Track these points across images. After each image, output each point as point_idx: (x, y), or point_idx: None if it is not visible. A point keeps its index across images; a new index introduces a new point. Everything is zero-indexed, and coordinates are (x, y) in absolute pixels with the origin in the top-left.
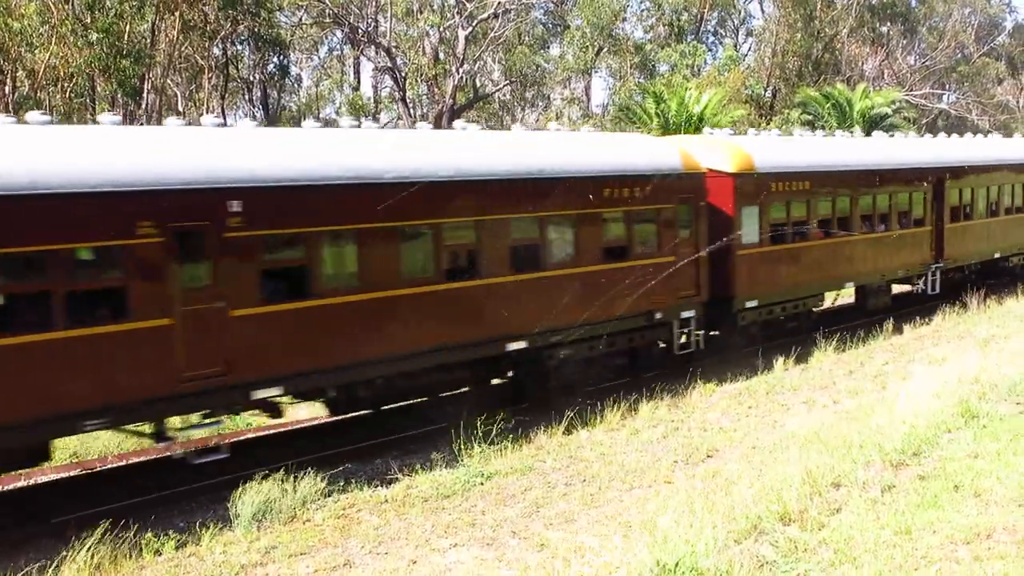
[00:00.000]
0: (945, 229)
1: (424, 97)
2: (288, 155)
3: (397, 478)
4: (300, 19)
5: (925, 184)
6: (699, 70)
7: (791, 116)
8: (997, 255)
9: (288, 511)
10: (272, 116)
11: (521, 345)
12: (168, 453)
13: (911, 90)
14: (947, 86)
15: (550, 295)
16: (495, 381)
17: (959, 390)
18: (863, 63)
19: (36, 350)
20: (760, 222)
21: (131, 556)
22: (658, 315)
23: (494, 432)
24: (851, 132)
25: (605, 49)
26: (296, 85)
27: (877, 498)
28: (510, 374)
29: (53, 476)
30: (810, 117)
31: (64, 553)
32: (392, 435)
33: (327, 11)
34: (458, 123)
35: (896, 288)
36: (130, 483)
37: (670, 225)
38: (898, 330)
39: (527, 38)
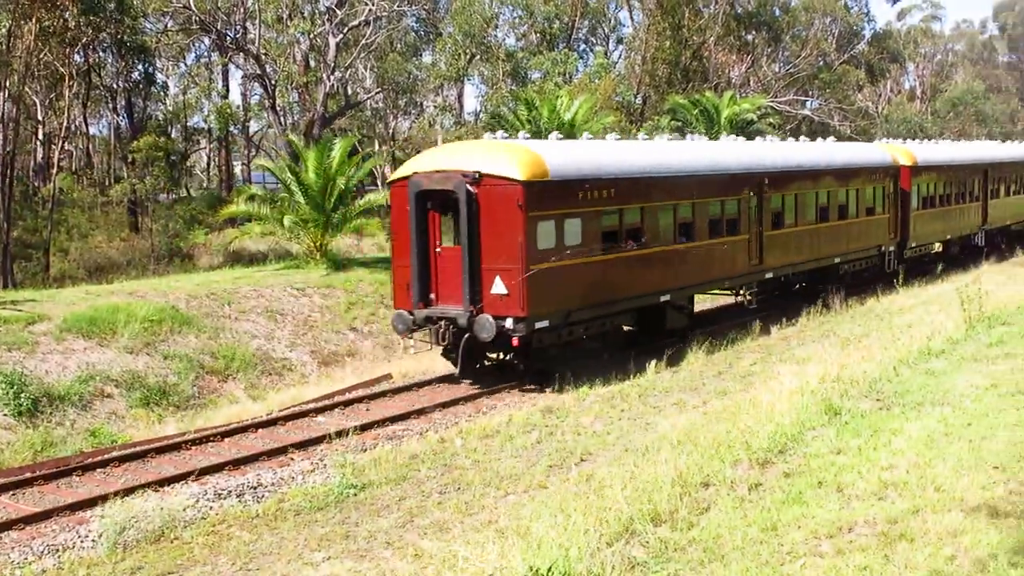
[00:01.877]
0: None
1: (295, 105)
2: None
3: (270, 492)
4: (166, 26)
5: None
6: (571, 77)
7: (661, 122)
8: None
9: (155, 529)
10: (137, 125)
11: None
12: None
13: (776, 96)
14: (810, 92)
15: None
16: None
17: (822, 388)
18: (730, 70)
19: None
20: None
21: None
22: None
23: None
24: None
25: (477, 56)
26: (162, 93)
27: (745, 496)
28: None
29: None
30: (679, 123)
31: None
32: (267, 448)
33: (194, 18)
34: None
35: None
36: None
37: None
38: (765, 331)
39: (399, 45)
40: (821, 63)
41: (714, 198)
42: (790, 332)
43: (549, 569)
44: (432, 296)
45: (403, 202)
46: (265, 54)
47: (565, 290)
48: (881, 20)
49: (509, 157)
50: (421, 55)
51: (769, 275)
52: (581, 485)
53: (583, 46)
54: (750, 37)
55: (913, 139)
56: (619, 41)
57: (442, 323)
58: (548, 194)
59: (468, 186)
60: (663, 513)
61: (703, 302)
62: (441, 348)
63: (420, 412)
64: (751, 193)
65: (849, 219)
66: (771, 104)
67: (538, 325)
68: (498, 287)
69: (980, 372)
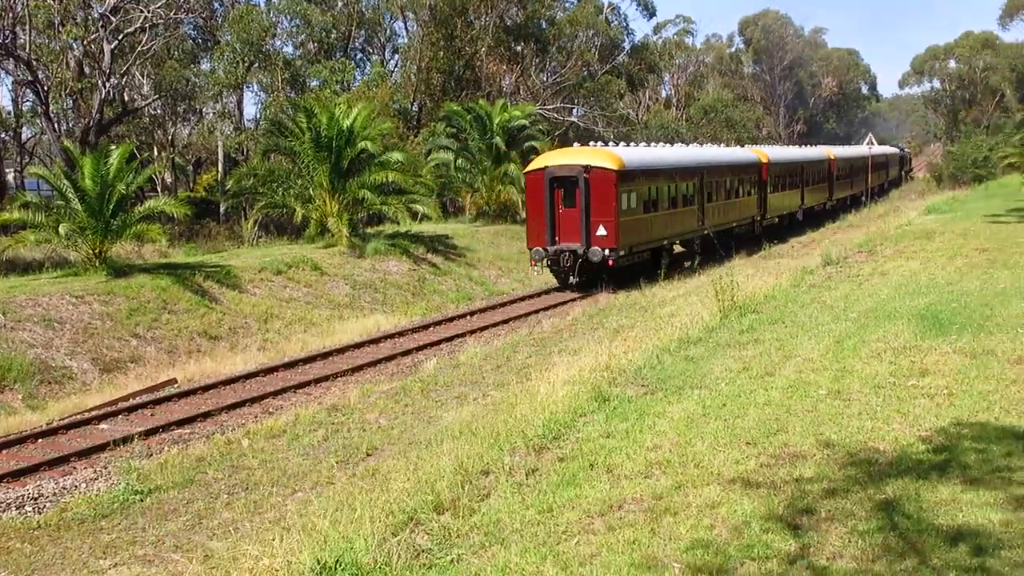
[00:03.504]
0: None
1: (70, 111)
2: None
3: (51, 502)
4: None
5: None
6: (349, 85)
7: (437, 129)
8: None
9: None
10: None
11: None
12: None
13: (544, 104)
14: (576, 100)
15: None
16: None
17: (593, 377)
18: (501, 79)
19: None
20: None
21: None
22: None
23: None
24: (493, 143)
25: (256, 64)
26: None
27: (523, 481)
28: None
29: None
30: (454, 130)
31: None
32: (47, 458)
33: None
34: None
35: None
36: None
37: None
38: (539, 324)
39: (177, 52)
40: (585, 73)
41: (685, 181)
42: (563, 325)
43: (336, 561)
44: (556, 238)
45: (539, 184)
46: (37, 60)
47: (632, 234)
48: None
49: (605, 156)
50: (199, 62)
51: (707, 232)
52: (367, 479)
53: (360, 55)
54: (519, 48)
55: (756, 144)
56: (395, 51)
57: (566, 253)
58: (625, 177)
59: (584, 174)
60: (446, 502)
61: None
62: (554, 271)
63: (206, 415)
64: (698, 179)
65: (742, 197)
66: (540, 111)
67: (622, 252)
68: (601, 231)
69: (733, 357)
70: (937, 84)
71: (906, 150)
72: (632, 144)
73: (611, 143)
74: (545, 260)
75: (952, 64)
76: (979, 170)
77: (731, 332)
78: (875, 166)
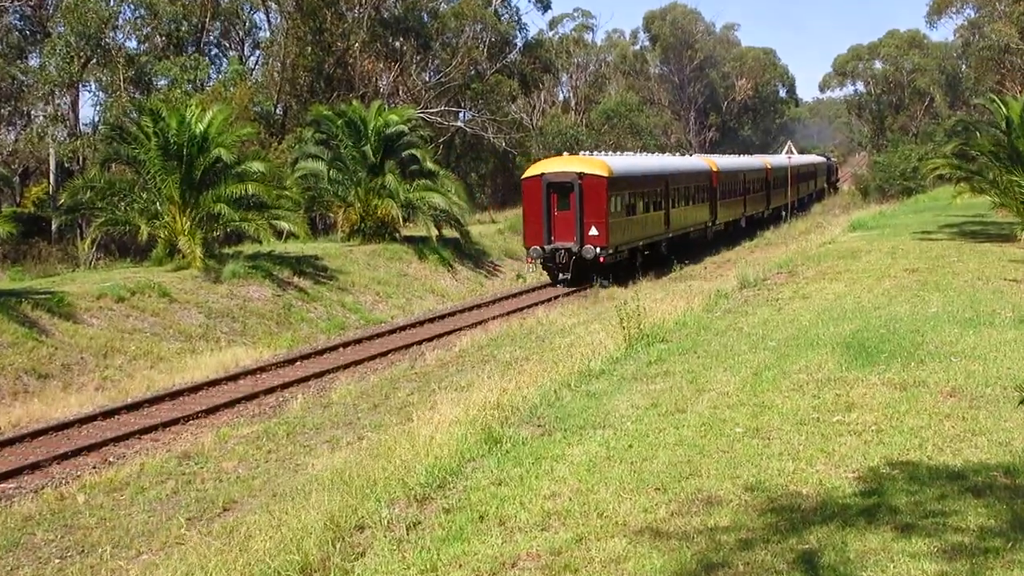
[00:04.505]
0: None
1: None
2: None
3: None
4: None
5: None
6: (203, 85)
7: (304, 135)
8: (687, 231)
9: None
10: None
11: (691, 229)
12: None
13: (427, 107)
14: (463, 103)
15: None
16: None
17: (482, 416)
18: (377, 79)
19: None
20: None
21: None
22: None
23: None
24: (365, 151)
25: (94, 60)
26: None
27: (403, 537)
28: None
29: None
30: (324, 136)
31: None
32: None
33: None
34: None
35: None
36: None
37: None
38: (422, 358)
39: (0, 46)
40: (473, 72)
41: (656, 188)
42: (449, 358)
43: None
44: (552, 238)
45: (536, 189)
46: None
47: (619, 234)
48: (533, 29)
49: (597, 164)
50: (27, 57)
51: (671, 235)
52: (223, 538)
53: (215, 51)
54: (398, 44)
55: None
56: (256, 46)
57: (561, 251)
58: (614, 183)
59: (578, 180)
60: (314, 562)
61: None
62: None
63: (34, 467)
64: (663, 185)
65: (698, 204)
66: (422, 115)
67: (610, 251)
68: (593, 231)
69: (640, 392)
70: (861, 87)
71: (832, 159)
72: (614, 153)
73: (600, 151)
74: (540, 259)
75: (877, 65)
76: (908, 182)
77: (638, 364)
78: (802, 176)
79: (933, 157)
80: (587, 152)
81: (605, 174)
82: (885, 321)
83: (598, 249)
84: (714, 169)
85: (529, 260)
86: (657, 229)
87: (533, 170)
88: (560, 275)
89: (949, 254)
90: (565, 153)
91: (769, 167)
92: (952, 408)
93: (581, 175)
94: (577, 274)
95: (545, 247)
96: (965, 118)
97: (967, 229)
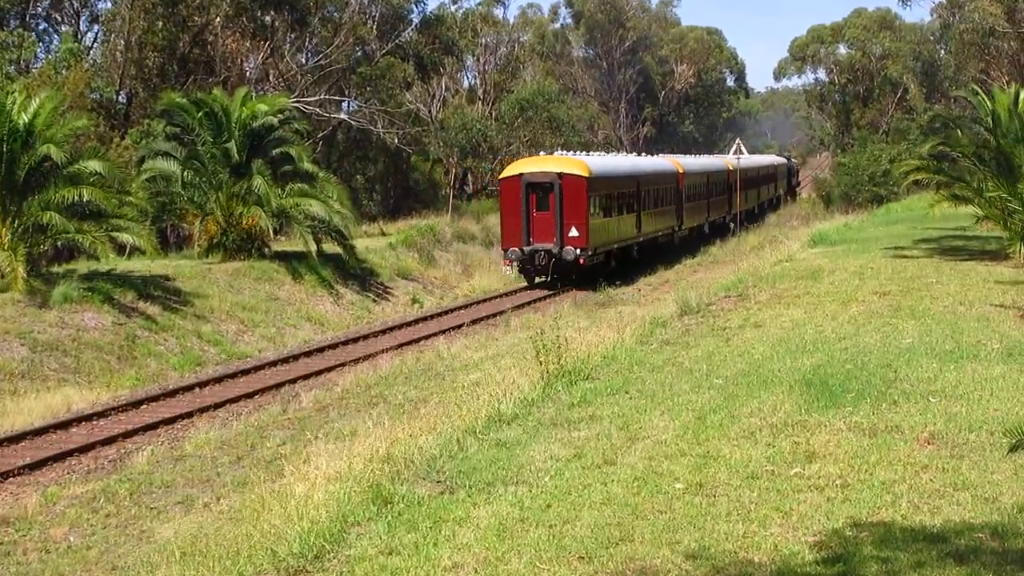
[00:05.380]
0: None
1: None
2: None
3: None
4: None
5: None
6: (28, 67)
7: (154, 128)
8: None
9: None
10: None
11: (659, 233)
12: None
13: (303, 95)
14: (347, 91)
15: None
16: None
17: (369, 471)
18: (243, 61)
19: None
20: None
21: None
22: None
23: None
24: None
25: None
26: None
27: None
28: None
29: None
30: (178, 130)
31: None
32: None
33: None
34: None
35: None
36: None
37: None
38: (297, 400)
39: None
40: (360, 54)
41: (629, 189)
42: (329, 400)
43: None
44: (531, 239)
45: (515, 189)
46: None
47: (598, 235)
48: (433, 2)
49: (576, 164)
50: None
51: (642, 239)
52: None
53: (44, 25)
54: (268, 19)
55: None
56: (94, 20)
57: (541, 252)
58: (594, 183)
59: (558, 180)
60: None
61: None
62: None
63: None
64: (635, 187)
65: (665, 207)
66: (298, 105)
67: (590, 252)
68: (573, 232)
69: (561, 440)
70: (823, 75)
71: (793, 161)
72: (589, 153)
73: (576, 152)
74: (518, 260)
75: (842, 50)
76: (878, 188)
77: (558, 406)
78: (761, 179)
79: (907, 159)
80: (564, 152)
81: (585, 174)
82: (852, 354)
83: (578, 250)
84: (680, 171)
85: (507, 262)
86: (630, 233)
87: (511, 170)
88: (537, 278)
89: (926, 274)
90: (542, 152)
91: (731, 168)
92: (930, 457)
93: (561, 175)
94: (556, 277)
95: (524, 248)
96: (944, 113)
97: (947, 244)
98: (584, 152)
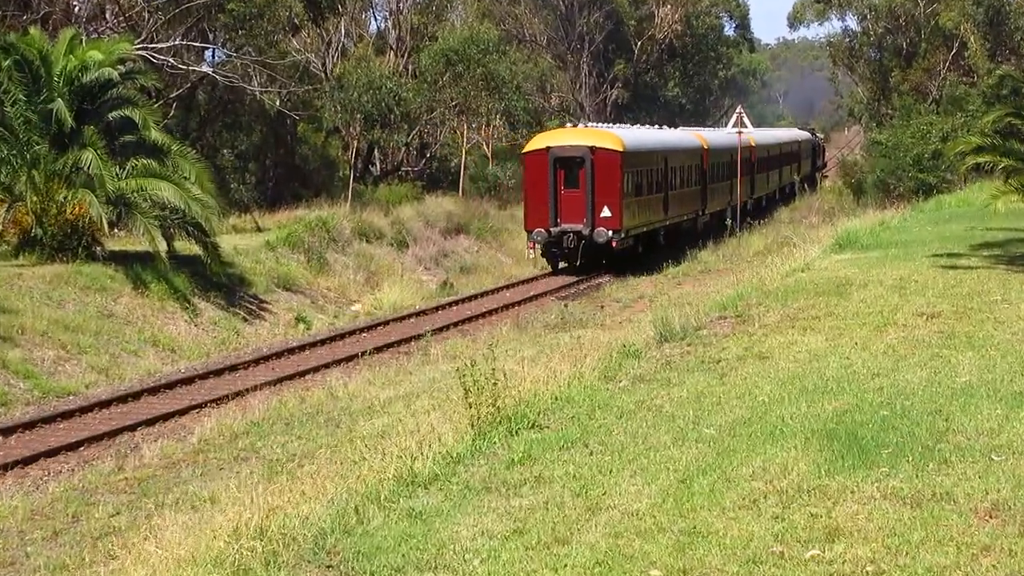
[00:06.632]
0: None
1: None
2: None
3: None
4: None
5: None
6: None
7: None
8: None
9: None
10: None
11: (684, 217)
12: None
13: (152, 41)
14: (212, 36)
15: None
16: None
17: (235, 551)
18: None
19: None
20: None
21: None
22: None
23: None
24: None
25: None
26: None
27: None
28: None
29: None
30: None
31: None
32: None
33: None
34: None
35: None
36: None
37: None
38: (137, 454)
39: None
40: None
41: (658, 167)
42: (181, 454)
43: None
44: (559, 220)
45: (542, 164)
46: None
47: (632, 216)
48: None
49: (609, 138)
50: None
51: (668, 223)
52: None
53: None
54: None
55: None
56: None
57: (570, 235)
58: (628, 159)
59: (590, 154)
60: None
61: None
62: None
63: None
64: (663, 164)
65: (690, 187)
66: (144, 53)
67: (622, 235)
68: (605, 212)
69: (496, 511)
70: (853, 23)
71: (819, 137)
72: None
73: (605, 124)
74: (544, 243)
75: None
76: (925, 175)
77: (492, 464)
78: (782, 159)
79: (965, 135)
80: (592, 124)
81: (619, 148)
82: (889, 396)
83: (611, 232)
84: (705, 147)
85: (530, 245)
86: (658, 216)
87: (536, 143)
88: (561, 263)
89: (988, 290)
90: (568, 124)
91: (754, 144)
92: (992, 536)
93: (593, 149)
94: (583, 262)
95: (551, 230)
96: (1015, 75)
97: (1016, 251)
98: (605, 124)
